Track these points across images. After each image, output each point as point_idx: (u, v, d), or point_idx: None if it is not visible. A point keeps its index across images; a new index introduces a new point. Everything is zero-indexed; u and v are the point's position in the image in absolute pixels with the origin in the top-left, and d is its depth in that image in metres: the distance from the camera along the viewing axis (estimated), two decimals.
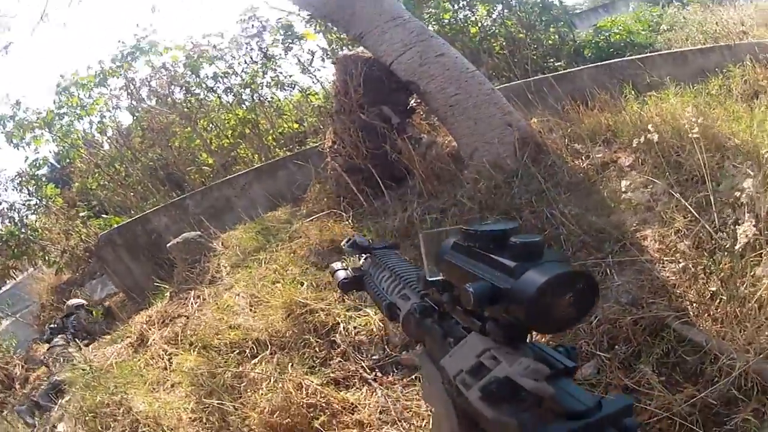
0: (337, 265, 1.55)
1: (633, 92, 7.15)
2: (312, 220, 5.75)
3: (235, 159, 11.08)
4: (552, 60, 11.02)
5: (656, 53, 10.42)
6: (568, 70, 9.41)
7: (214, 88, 11.53)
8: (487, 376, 0.80)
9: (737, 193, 3.72)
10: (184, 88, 11.40)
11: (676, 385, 2.98)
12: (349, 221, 5.53)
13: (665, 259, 3.79)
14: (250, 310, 4.61)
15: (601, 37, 12.42)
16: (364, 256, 1.50)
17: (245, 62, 11.42)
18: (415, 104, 6.46)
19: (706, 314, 3.25)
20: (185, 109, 11.20)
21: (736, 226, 3.50)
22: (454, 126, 5.76)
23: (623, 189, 4.51)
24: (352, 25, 6.09)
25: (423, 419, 3.26)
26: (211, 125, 11.41)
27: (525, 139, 5.44)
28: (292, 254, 5.25)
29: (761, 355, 2.83)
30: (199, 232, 6.46)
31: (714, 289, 3.35)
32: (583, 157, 5.28)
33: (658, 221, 4.14)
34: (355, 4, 5.98)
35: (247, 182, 8.16)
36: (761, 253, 3.44)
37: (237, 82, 11.41)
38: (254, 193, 7.97)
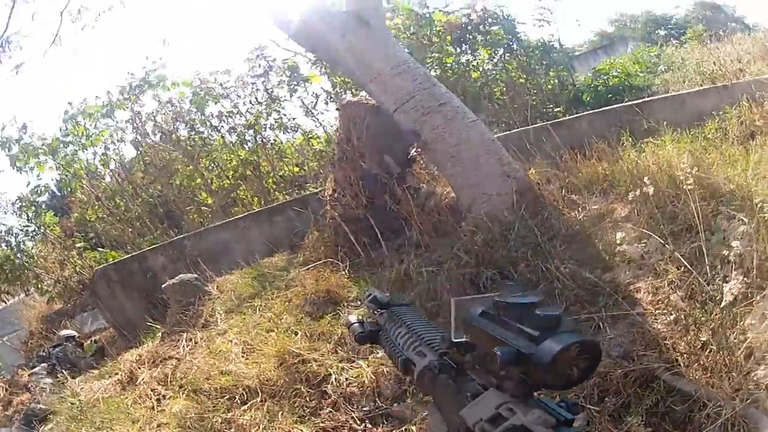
0: (353, 317, 1.60)
1: (630, 139, 7.01)
2: (309, 269, 5.74)
3: (234, 200, 11.07)
4: (551, 106, 11.06)
5: (654, 98, 10.46)
6: (567, 117, 9.56)
7: (218, 127, 11.56)
8: (503, 424, 0.93)
9: (725, 251, 3.88)
10: (188, 125, 11.43)
11: None
12: (346, 271, 5.52)
13: (657, 311, 3.84)
14: (243, 356, 4.59)
15: (600, 81, 12.42)
16: (381, 311, 1.56)
17: (250, 102, 11.46)
18: (415, 153, 6.48)
19: (695, 364, 3.30)
20: (188, 147, 11.22)
21: (724, 284, 3.65)
22: (453, 176, 5.77)
23: (618, 241, 4.65)
24: (356, 72, 6.09)
25: None
26: (212, 165, 11.42)
27: (523, 190, 5.45)
28: (287, 303, 5.25)
29: (748, 401, 2.89)
30: (195, 275, 6.44)
31: (704, 339, 3.41)
32: (579, 209, 5.32)
33: (651, 274, 4.19)
34: (361, 49, 5.98)
35: (245, 226, 8.15)
36: (752, 302, 3.49)
37: (241, 122, 11.45)
38: (252, 237, 7.94)
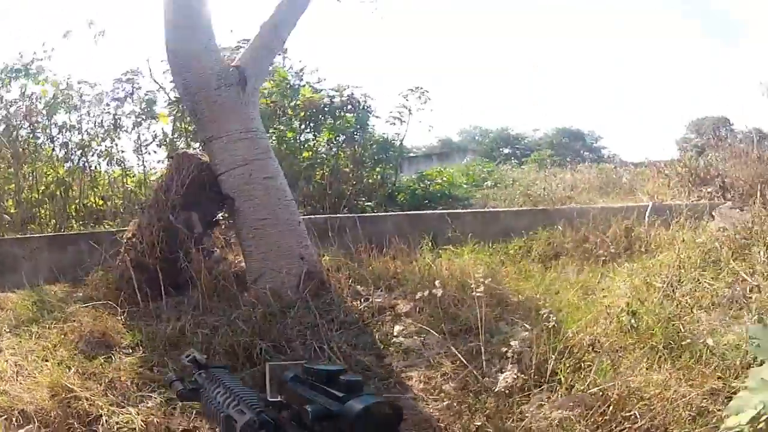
0: (172, 376, 1.73)
1: (431, 244, 7.53)
2: (87, 306, 5.62)
3: (33, 217, 10.47)
4: (364, 199, 11.22)
5: (468, 210, 10.93)
6: (376, 213, 9.81)
7: (54, 138, 11.15)
8: None
9: (504, 349, 4.20)
10: (32, 126, 10.93)
11: None
12: (123, 317, 5.48)
13: (430, 398, 4.11)
14: (18, 379, 4.43)
15: (422, 185, 12.65)
16: (200, 371, 1.66)
17: (94, 123, 11.20)
18: (221, 218, 6.60)
19: None
20: (21, 149, 10.68)
21: (500, 374, 4.00)
22: (250, 248, 5.89)
23: (395, 333, 5.00)
24: (209, 125, 6.12)
25: None
26: (30, 174, 10.85)
27: (311, 273, 5.69)
28: (63, 336, 5.12)
29: None
30: None
31: (479, 423, 3.68)
32: (362, 299, 5.59)
33: (425, 365, 4.48)
34: (226, 106, 6.03)
35: (38, 246, 7.77)
36: (529, 394, 3.90)
37: (76, 139, 11.09)
38: (42, 259, 7.55)
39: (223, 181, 6.00)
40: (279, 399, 1.24)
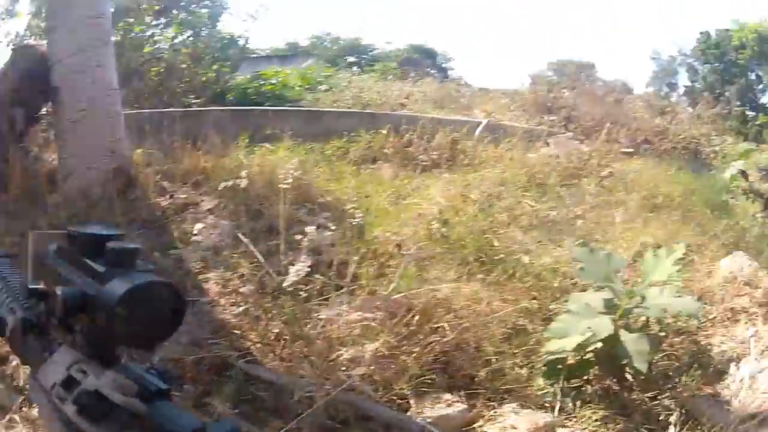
0: None
1: (249, 141, 7.48)
2: None
3: None
4: (192, 96, 11.02)
5: (291, 108, 10.81)
6: (196, 108, 9.66)
7: None
8: (77, 389, 0.76)
9: (300, 236, 4.21)
10: None
11: (261, 421, 3.24)
12: None
13: (227, 301, 4.06)
14: None
15: (254, 84, 12.39)
16: None
17: None
18: (46, 112, 6.28)
19: (271, 354, 3.53)
20: None
21: (291, 266, 3.93)
22: (65, 144, 5.73)
23: (195, 232, 4.84)
24: (55, 14, 5.82)
25: None
26: None
27: (120, 169, 5.58)
28: None
29: (340, 389, 3.18)
30: None
31: (277, 331, 3.65)
32: (168, 196, 5.53)
33: (224, 266, 4.40)
34: None
35: None
36: (329, 298, 3.88)
37: None
38: None
39: (54, 70, 5.69)
40: (41, 286, 0.91)
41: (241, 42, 12.58)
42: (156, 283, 0.76)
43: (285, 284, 3.69)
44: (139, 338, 0.77)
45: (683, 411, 3.89)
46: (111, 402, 0.71)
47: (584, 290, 4.61)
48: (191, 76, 11.43)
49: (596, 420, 3.68)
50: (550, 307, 4.65)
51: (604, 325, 3.79)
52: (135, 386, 0.72)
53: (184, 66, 11.40)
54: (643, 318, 4.30)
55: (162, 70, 11.06)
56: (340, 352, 3.51)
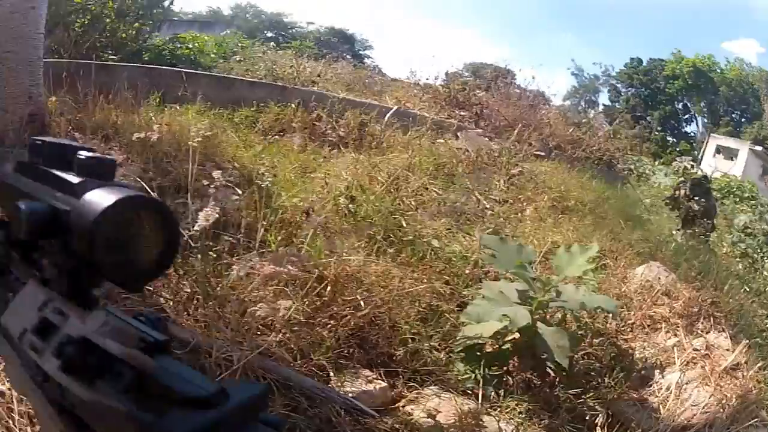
0: None
1: (160, 100, 7.61)
2: None
3: None
4: (110, 51, 10.99)
5: (204, 72, 10.94)
6: (112, 63, 9.54)
7: None
8: (57, 336, 0.61)
9: (209, 188, 3.86)
10: None
11: None
12: None
13: None
14: None
15: (171, 46, 12.58)
16: None
17: None
18: None
19: (185, 313, 3.42)
20: None
21: (199, 213, 3.62)
22: None
23: None
24: None
25: None
26: None
27: (35, 115, 5.49)
28: None
29: (258, 351, 3.11)
30: None
31: (188, 290, 3.56)
32: None
33: None
34: None
35: None
36: (239, 258, 3.76)
37: None
38: None
39: None
40: None
41: (166, 3, 12.59)
42: (147, 200, 0.63)
43: (195, 228, 3.34)
44: (125, 271, 0.63)
45: (609, 413, 3.99)
46: (107, 354, 0.56)
47: (497, 279, 4.65)
48: (113, 31, 11.40)
49: (521, 413, 3.70)
50: (463, 293, 4.66)
51: (522, 314, 3.71)
52: (132, 331, 0.58)
53: (108, 20, 11.33)
54: (559, 315, 4.34)
55: (86, 21, 10.93)
56: (254, 309, 3.35)
